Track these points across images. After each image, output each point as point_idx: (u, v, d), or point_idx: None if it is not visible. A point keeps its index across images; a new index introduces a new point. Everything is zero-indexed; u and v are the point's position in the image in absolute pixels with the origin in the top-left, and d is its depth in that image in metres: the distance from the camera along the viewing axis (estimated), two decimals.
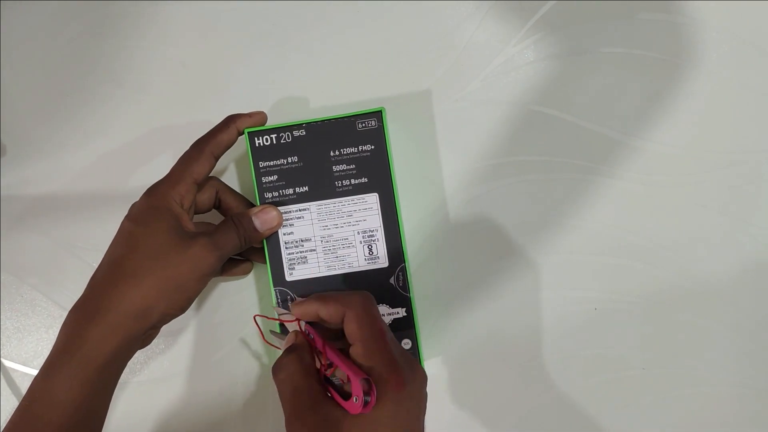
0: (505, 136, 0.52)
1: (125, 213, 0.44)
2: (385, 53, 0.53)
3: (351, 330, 0.40)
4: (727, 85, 0.51)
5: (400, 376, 0.37)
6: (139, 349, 0.43)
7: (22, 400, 0.40)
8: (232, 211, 0.49)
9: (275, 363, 0.41)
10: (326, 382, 0.41)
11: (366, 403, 0.36)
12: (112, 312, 0.40)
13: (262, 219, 0.46)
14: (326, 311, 0.41)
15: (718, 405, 0.52)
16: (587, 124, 0.52)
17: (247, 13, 0.53)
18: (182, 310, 0.43)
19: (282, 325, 0.48)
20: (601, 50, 0.52)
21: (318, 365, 0.42)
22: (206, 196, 0.48)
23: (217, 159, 0.46)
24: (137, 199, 0.44)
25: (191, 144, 0.46)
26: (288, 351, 0.42)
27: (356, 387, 0.36)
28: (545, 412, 0.52)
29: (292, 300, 0.48)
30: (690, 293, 0.52)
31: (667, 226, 0.52)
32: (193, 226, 0.44)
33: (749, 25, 0.51)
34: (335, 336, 0.43)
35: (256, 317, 0.49)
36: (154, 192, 0.44)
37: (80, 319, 0.40)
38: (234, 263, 0.51)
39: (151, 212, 0.43)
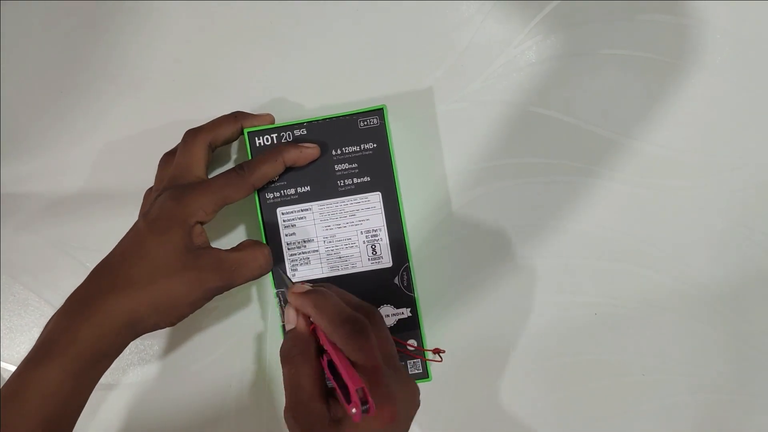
0: (505, 138, 0.52)
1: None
2: (385, 52, 0.52)
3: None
4: (729, 87, 0.51)
5: (394, 406, 0.36)
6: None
7: (3, 389, 0.40)
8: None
9: (282, 348, 0.41)
10: (332, 374, 0.39)
11: (366, 411, 0.35)
12: (104, 317, 0.41)
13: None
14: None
15: (717, 412, 0.52)
16: (588, 126, 0.52)
17: (244, 10, 0.53)
18: (172, 324, 0.43)
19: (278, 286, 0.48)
20: (602, 52, 0.52)
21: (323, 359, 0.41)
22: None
23: (213, 151, 0.47)
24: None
25: (190, 134, 0.46)
26: (293, 340, 0.40)
27: (354, 396, 0.36)
28: (544, 416, 0.52)
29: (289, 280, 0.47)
30: (691, 299, 0.52)
31: (668, 230, 0.52)
32: (206, 241, 0.44)
33: (752, 27, 0.51)
34: None
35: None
36: (179, 198, 0.43)
37: (74, 315, 0.41)
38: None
39: (170, 221, 0.42)
